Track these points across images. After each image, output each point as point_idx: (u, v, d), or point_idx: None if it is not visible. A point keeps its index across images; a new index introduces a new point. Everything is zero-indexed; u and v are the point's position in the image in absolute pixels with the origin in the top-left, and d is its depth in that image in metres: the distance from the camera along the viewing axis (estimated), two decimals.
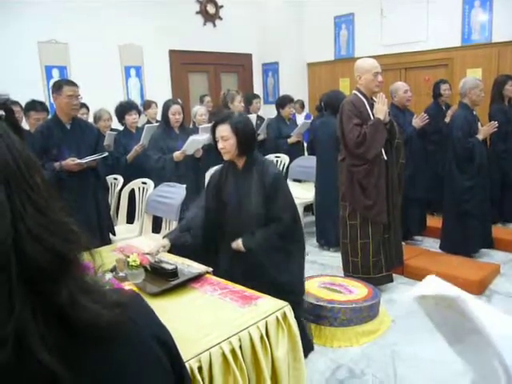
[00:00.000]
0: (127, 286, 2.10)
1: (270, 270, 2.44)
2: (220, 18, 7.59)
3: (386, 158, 3.55)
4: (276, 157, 5.54)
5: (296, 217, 2.57)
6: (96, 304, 0.53)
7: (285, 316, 1.90)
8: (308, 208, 5.49)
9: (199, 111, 5.21)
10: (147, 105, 5.69)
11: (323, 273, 4.03)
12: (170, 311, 1.90)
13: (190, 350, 1.57)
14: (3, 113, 0.55)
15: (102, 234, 3.58)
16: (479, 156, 4.10)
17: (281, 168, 5.43)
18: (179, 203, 3.53)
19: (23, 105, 4.16)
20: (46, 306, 0.49)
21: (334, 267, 4.22)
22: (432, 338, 3.01)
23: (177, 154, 4.12)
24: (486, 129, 4.18)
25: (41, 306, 0.49)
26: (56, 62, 5.83)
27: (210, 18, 7.51)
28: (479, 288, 3.67)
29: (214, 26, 7.57)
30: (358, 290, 3.28)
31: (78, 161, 3.33)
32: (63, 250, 0.51)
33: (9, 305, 0.46)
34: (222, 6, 7.57)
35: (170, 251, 2.50)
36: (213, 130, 2.55)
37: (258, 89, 8.32)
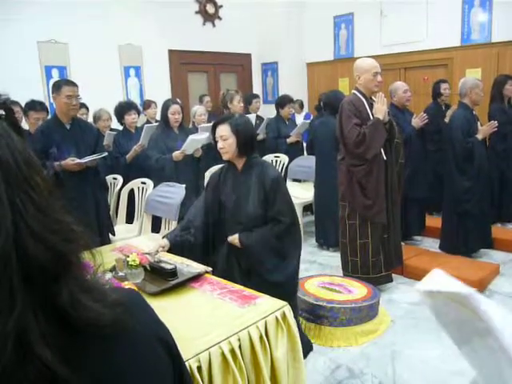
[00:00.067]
0: (127, 285, 2.10)
1: (265, 269, 2.45)
2: (219, 18, 7.60)
3: (385, 157, 3.55)
4: (275, 157, 5.54)
5: (294, 219, 2.58)
6: (97, 303, 0.53)
7: (284, 316, 1.90)
8: (307, 208, 5.50)
9: (198, 111, 5.22)
10: (147, 105, 5.70)
11: (322, 272, 4.03)
12: (169, 311, 1.90)
13: (189, 350, 1.57)
14: (3, 112, 0.55)
15: (102, 233, 3.58)
16: (479, 156, 4.10)
17: (280, 168, 5.44)
18: (178, 203, 3.53)
19: (23, 105, 4.16)
20: (47, 305, 0.49)
21: (334, 267, 4.22)
22: (431, 338, 3.03)
23: (176, 154, 4.12)
24: (485, 129, 4.18)
25: (41, 305, 0.49)
26: (56, 61, 5.83)
27: (210, 17, 7.51)
28: (479, 288, 3.67)
29: (214, 25, 7.57)
30: (357, 290, 3.28)
31: (78, 161, 3.33)
32: (64, 250, 0.51)
33: (10, 303, 0.46)
34: (221, 6, 7.57)
35: (169, 251, 2.50)
36: (213, 130, 2.56)
37: (257, 89, 8.32)
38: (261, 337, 1.78)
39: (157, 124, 4.76)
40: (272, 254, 2.48)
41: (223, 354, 1.64)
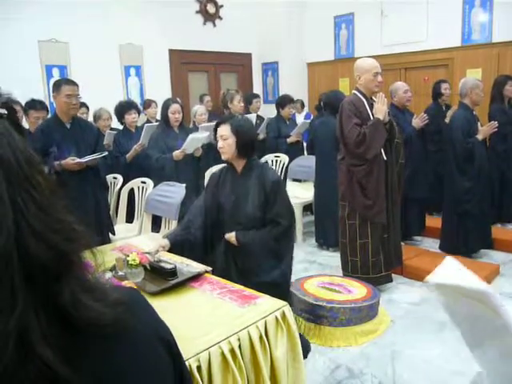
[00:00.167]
0: (127, 284, 2.10)
1: (261, 270, 2.46)
2: (220, 18, 7.59)
3: (385, 157, 3.55)
4: (275, 156, 5.54)
5: (293, 222, 2.61)
6: (98, 302, 0.53)
7: (284, 316, 1.90)
8: (307, 208, 5.50)
9: (199, 111, 5.22)
10: (147, 104, 5.70)
11: (322, 272, 4.03)
12: (169, 310, 1.90)
13: (189, 350, 1.57)
14: (5, 111, 0.55)
15: (102, 233, 3.58)
16: (479, 156, 4.10)
17: (280, 168, 5.44)
18: (179, 202, 3.53)
19: (23, 104, 4.16)
20: (48, 304, 0.49)
21: (333, 267, 4.22)
22: (431, 338, 3.03)
23: (176, 153, 4.12)
24: (485, 129, 4.17)
25: (43, 305, 0.49)
26: (56, 61, 5.83)
27: (210, 17, 7.51)
28: None
29: (214, 25, 7.57)
30: (357, 290, 3.28)
31: (78, 160, 3.33)
32: (65, 249, 0.51)
33: (11, 302, 0.46)
34: (221, 6, 7.57)
35: (169, 251, 2.50)
36: (215, 131, 2.58)
37: (257, 88, 8.32)
38: (260, 337, 1.78)
39: (157, 123, 4.77)
40: (269, 256, 2.51)
41: (223, 354, 1.64)
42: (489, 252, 4.44)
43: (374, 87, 3.52)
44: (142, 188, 4.15)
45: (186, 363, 1.47)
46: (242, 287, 2.14)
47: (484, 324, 0.76)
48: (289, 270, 2.59)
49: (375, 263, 3.63)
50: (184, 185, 3.70)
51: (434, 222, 4.88)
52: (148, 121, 5.49)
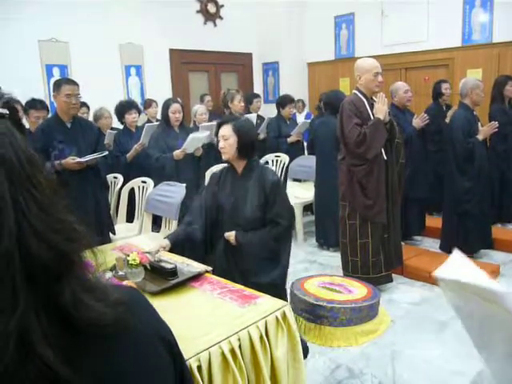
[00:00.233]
0: (127, 284, 2.10)
1: (259, 270, 2.47)
2: (220, 18, 7.59)
3: (385, 157, 3.55)
4: (276, 156, 5.54)
5: (292, 221, 2.61)
6: (99, 302, 0.53)
7: (284, 316, 1.89)
8: (307, 208, 5.50)
9: (199, 110, 5.22)
10: (148, 104, 5.70)
11: (323, 272, 4.03)
12: (169, 310, 1.90)
13: (189, 349, 1.57)
14: (7, 111, 0.55)
15: (102, 232, 3.58)
16: (479, 156, 4.10)
17: (281, 167, 5.44)
18: (179, 202, 3.53)
19: (24, 103, 4.16)
20: (49, 304, 0.49)
21: (334, 267, 4.22)
22: (431, 338, 3.03)
23: (177, 153, 4.13)
24: (486, 129, 4.17)
25: (44, 305, 0.49)
26: (57, 60, 5.82)
27: (211, 17, 7.50)
28: None
29: (215, 25, 7.57)
30: (357, 290, 3.28)
31: (78, 159, 3.33)
32: (66, 249, 0.51)
33: (13, 302, 0.46)
34: (222, 6, 7.57)
35: (170, 251, 2.50)
36: (217, 131, 2.60)
37: (258, 88, 8.32)
38: (261, 336, 1.78)
39: (157, 123, 4.77)
40: (268, 256, 2.51)
41: (223, 354, 1.64)
42: (489, 252, 4.44)
43: (375, 87, 3.52)
44: (143, 188, 4.15)
45: (187, 363, 1.47)
46: (242, 287, 2.14)
47: (494, 323, 0.74)
48: (287, 269, 2.60)
49: (375, 263, 3.63)
50: (184, 184, 3.70)
51: (434, 221, 4.88)
52: (148, 120, 5.49)
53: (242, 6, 7.61)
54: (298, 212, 4.99)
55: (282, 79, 8.22)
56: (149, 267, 2.27)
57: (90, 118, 5.02)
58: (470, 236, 4.21)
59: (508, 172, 4.99)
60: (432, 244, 4.68)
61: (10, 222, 0.47)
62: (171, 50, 7.08)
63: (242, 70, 8.28)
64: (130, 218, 4.30)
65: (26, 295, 0.47)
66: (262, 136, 5.51)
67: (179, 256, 2.50)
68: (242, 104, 5.45)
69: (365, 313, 3.09)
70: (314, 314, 3.08)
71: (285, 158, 5.47)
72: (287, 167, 5.43)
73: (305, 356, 2.77)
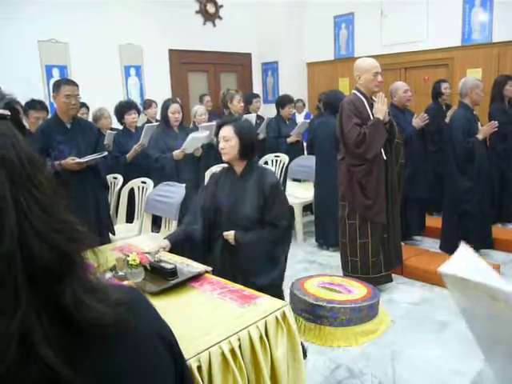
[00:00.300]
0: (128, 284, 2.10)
1: (257, 270, 2.47)
2: (220, 18, 7.59)
3: (385, 157, 3.55)
4: (275, 156, 5.54)
5: (291, 223, 2.62)
6: (100, 303, 0.53)
7: (284, 316, 1.89)
8: (307, 208, 5.50)
9: (199, 111, 5.22)
10: (147, 104, 5.70)
11: (322, 272, 4.03)
12: (169, 310, 1.90)
13: (189, 350, 1.57)
14: (8, 112, 0.55)
15: (102, 233, 3.59)
16: (479, 156, 4.10)
17: (280, 167, 5.44)
18: (178, 202, 3.53)
19: (23, 104, 4.16)
20: (51, 305, 0.49)
21: (334, 267, 4.22)
22: (431, 338, 3.03)
23: (176, 153, 4.13)
24: (485, 129, 4.17)
25: (45, 306, 0.49)
26: (56, 61, 5.82)
27: (210, 17, 7.50)
28: None
29: (214, 25, 7.57)
30: (357, 290, 3.28)
31: (78, 160, 3.33)
32: (68, 249, 0.51)
33: (14, 302, 0.46)
34: (221, 6, 7.57)
35: (170, 251, 2.50)
36: (217, 132, 2.59)
37: (257, 88, 8.32)
38: (261, 337, 1.78)
39: (157, 123, 4.77)
40: (267, 257, 2.51)
41: (223, 354, 1.64)
42: (489, 252, 4.44)
43: (374, 87, 3.52)
44: (142, 188, 4.15)
45: (187, 363, 1.47)
46: (242, 287, 2.14)
47: (500, 323, 0.72)
48: (284, 270, 2.61)
49: (375, 263, 3.63)
50: (184, 185, 3.71)
51: (434, 221, 4.88)
52: (148, 121, 5.50)
53: (242, 6, 7.61)
54: (297, 212, 4.99)
55: (282, 79, 8.23)
56: (149, 267, 2.27)
57: (90, 119, 5.02)
58: (470, 236, 4.20)
59: (508, 171, 4.99)
60: (432, 244, 4.67)
61: (11, 223, 0.47)
62: (171, 51, 7.08)
63: (242, 70, 8.28)
64: (129, 218, 4.30)
65: (28, 296, 0.47)
66: (261, 136, 5.51)
67: (179, 256, 2.50)
68: (242, 104, 5.45)
69: (365, 313, 3.09)
70: (314, 314, 3.08)
71: (284, 158, 5.47)
72: (287, 167, 5.43)
73: (303, 357, 2.78)
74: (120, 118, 4.95)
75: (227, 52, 7.74)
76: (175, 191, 3.66)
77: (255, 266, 2.48)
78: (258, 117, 5.85)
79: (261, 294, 2.05)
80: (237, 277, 2.44)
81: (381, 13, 7.16)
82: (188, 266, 2.34)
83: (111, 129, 5.09)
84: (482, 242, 4.31)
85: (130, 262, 2.16)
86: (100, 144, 3.68)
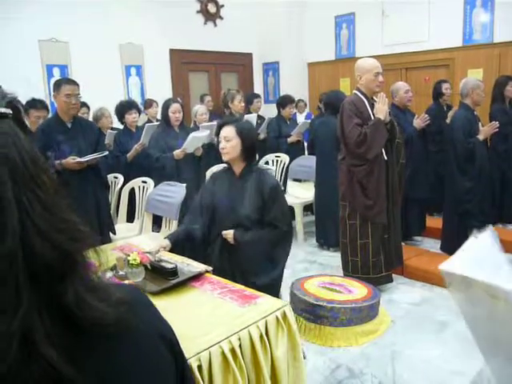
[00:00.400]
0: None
1: (256, 270, 2.47)
2: (221, 18, 7.59)
3: (386, 157, 3.55)
4: (276, 156, 5.54)
5: (290, 227, 2.62)
6: (102, 302, 0.53)
7: (284, 315, 1.90)
8: (308, 208, 5.50)
9: (200, 110, 5.22)
10: (148, 104, 5.70)
11: (323, 272, 4.03)
12: (169, 310, 1.89)
13: (189, 349, 1.57)
14: (10, 111, 0.55)
15: (102, 232, 3.59)
16: (480, 156, 4.10)
17: (281, 167, 5.44)
18: (179, 202, 3.53)
19: (24, 103, 4.16)
20: (52, 304, 0.49)
21: (334, 267, 4.22)
22: (431, 338, 3.03)
23: (177, 153, 4.13)
24: (486, 129, 4.17)
25: (47, 305, 0.49)
26: (57, 60, 5.82)
27: (211, 17, 7.50)
28: None
29: (215, 25, 7.56)
30: (357, 290, 3.28)
31: (79, 159, 3.33)
32: (70, 248, 0.51)
33: (16, 301, 0.46)
34: (222, 6, 7.57)
35: (171, 251, 2.50)
36: (218, 131, 2.59)
37: (258, 88, 8.32)
38: (261, 336, 1.78)
39: (157, 123, 4.77)
40: (266, 257, 2.51)
41: (223, 354, 1.64)
42: None
43: (375, 87, 3.52)
44: (143, 188, 4.15)
45: (187, 362, 1.47)
46: (242, 287, 2.14)
47: (500, 323, 0.72)
48: (280, 274, 2.60)
49: (376, 263, 3.63)
50: (184, 184, 3.71)
51: (434, 222, 4.88)
52: (149, 120, 5.49)
53: (242, 6, 7.61)
54: (298, 212, 4.99)
55: (283, 79, 8.22)
56: (149, 267, 2.27)
57: (90, 118, 5.02)
58: (471, 236, 4.20)
59: (509, 172, 4.98)
60: (432, 244, 4.67)
61: (13, 222, 0.47)
62: (171, 50, 7.08)
63: (243, 70, 8.27)
64: (130, 217, 4.30)
65: (29, 295, 0.47)
66: (262, 136, 5.51)
67: (179, 256, 2.50)
68: (243, 104, 5.45)
69: (365, 313, 3.09)
70: (314, 314, 3.08)
71: (285, 158, 5.47)
72: (287, 167, 5.43)
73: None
74: (121, 118, 4.95)
75: (228, 52, 7.74)
76: (176, 191, 3.66)
77: (254, 265, 2.48)
78: (259, 117, 5.85)
79: (261, 293, 2.05)
80: (236, 276, 2.44)
81: (382, 13, 7.15)
82: (188, 265, 2.34)
83: (112, 128, 5.09)
84: None
85: (130, 262, 2.16)
86: (101, 143, 3.68)
